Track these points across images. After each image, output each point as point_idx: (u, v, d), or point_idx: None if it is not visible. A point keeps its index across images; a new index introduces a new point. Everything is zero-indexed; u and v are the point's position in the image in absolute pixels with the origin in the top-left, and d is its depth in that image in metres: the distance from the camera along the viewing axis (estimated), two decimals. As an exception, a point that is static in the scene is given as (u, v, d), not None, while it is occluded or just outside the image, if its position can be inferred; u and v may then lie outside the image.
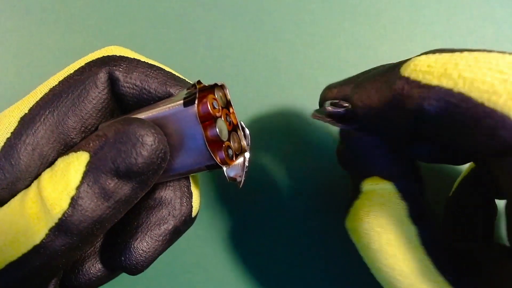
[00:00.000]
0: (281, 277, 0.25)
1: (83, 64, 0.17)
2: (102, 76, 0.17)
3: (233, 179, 0.17)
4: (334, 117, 0.16)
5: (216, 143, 0.16)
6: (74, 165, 0.14)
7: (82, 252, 0.15)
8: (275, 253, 0.25)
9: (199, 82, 0.16)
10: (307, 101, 0.25)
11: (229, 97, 0.18)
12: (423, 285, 0.15)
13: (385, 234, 0.16)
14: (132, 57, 0.17)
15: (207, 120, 0.16)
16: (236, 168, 0.17)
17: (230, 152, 0.17)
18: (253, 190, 0.25)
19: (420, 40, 0.26)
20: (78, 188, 0.14)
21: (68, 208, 0.14)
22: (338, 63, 0.26)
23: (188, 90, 0.16)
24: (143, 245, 0.17)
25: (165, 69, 0.18)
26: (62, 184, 0.14)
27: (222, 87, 0.18)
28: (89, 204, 0.14)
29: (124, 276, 0.24)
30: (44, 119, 0.16)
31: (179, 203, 0.18)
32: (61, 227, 0.14)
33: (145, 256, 0.17)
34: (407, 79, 0.13)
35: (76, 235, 0.14)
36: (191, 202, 0.18)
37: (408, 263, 0.15)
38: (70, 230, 0.14)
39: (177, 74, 0.18)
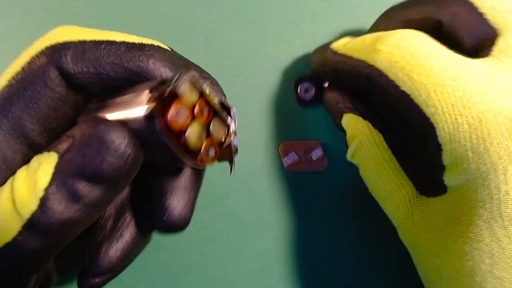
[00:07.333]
0: (281, 276, 0.25)
1: (28, 59, 0.16)
2: (51, 75, 0.16)
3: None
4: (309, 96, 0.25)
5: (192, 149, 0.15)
6: (44, 166, 0.14)
7: (56, 252, 0.15)
8: (275, 252, 0.25)
9: (159, 89, 0.13)
10: (307, 101, 0.25)
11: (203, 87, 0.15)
12: (394, 181, 0.19)
13: (369, 151, 0.19)
14: (76, 40, 0.16)
15: (177, 131, 0.14)
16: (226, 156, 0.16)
17: (212, 151, 0.16)
18: (253, 189, 0.25)
19: (420, 40, 0.26)
20: (46, 189, 0.13)
21: (37, 210, 0.13)
22: (338, 63, 0.26)
23: (151, 95, 0.14)
24: (178, 202, 0.17)
25: (116, 40, 0.16)
26: (32, 184, 0.14)
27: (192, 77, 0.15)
28: (58, 206, 0.13)
29: (124, 276, 0.24)
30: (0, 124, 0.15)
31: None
32: (31, 227, 0.13)
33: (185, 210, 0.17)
34: (331, 50, 0.21)
35: (45, 235, 0.14)
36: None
37: (387, 167, 0.19)
38: (40, 231, 0.14)
39: (131, 41, 0.16)
